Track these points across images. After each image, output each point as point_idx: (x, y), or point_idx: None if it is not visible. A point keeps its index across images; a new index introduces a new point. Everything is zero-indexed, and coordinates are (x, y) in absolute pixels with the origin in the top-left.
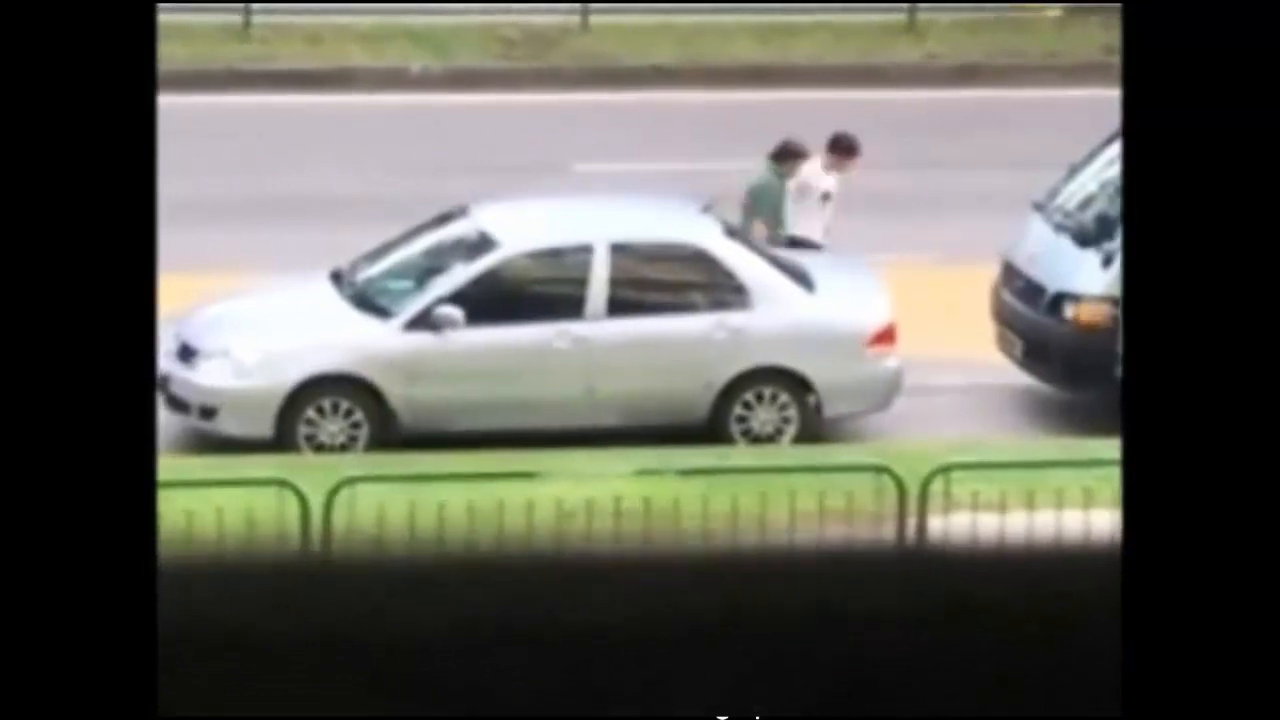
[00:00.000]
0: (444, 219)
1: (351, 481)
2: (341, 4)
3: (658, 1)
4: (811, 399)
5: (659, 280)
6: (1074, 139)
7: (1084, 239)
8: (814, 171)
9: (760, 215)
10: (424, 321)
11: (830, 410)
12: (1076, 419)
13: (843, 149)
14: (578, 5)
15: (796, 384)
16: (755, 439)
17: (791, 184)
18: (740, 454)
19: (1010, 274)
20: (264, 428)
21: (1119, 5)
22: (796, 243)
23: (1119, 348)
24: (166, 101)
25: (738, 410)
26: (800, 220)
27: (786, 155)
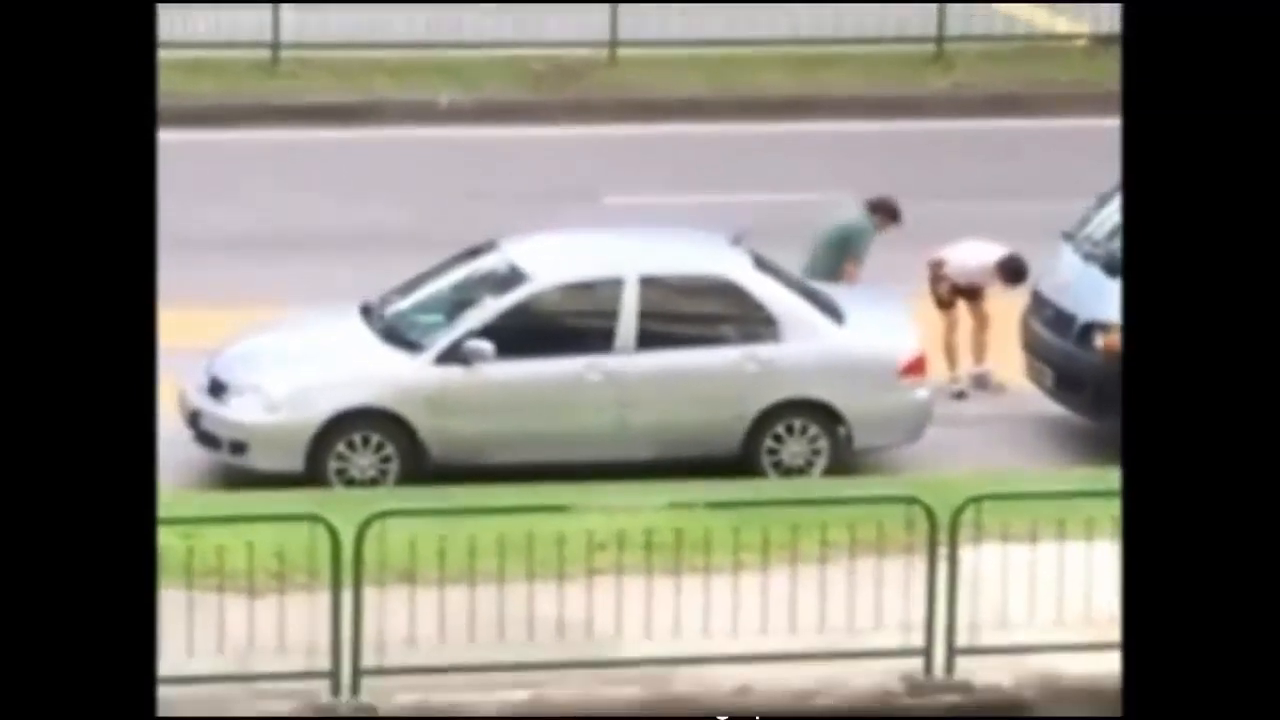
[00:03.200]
0: (474, 253)
1: (382, 515)
2: (370, 38)
3: (685, 35)
4: (842, 430)
5: (689, 313)
6: (1103, 168)
7: (1113, 268)
8: None
9: (853, 254)
10: (454, 355)
11: (861, 441)
12: (1107, 448)
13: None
14: (606, 37)
15: (827, 416)
16: (786, 471)
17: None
18: (771, 486)
19: (1040, 303)
20: (295, 462)
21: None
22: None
23: None
24: (196, 137)
25: (768, 442)
26: None
27: (885, 211)
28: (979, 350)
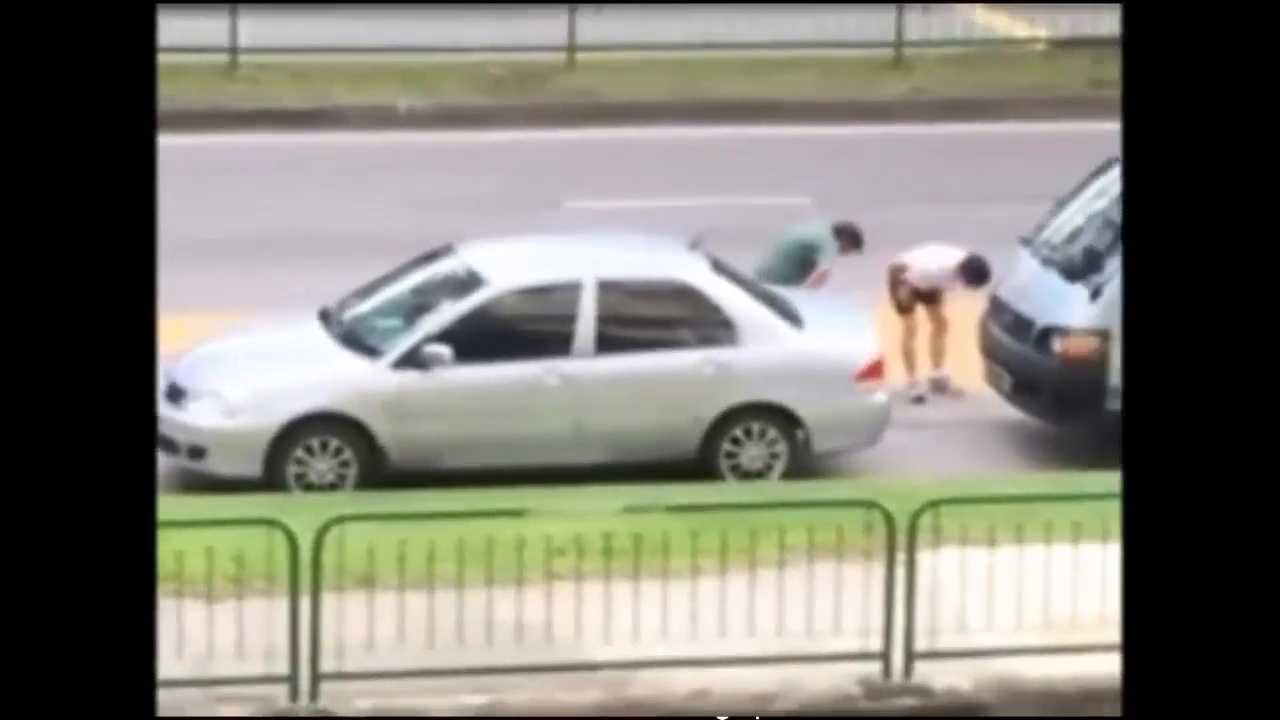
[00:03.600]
0: (431, 257)
1: (341, 520)
2: (329, 43)
3: (643, 40)
4: (800, 434)
5: (647, 317)
6: (1061, 173)
7: (1072, 272)
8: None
9: (824, 263)
10: (412, 359)
11: (819, 445)
12: (1065, 453)
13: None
14: (564, 41)
15: (785, 419)
16: (744, 475)
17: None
18: (729, 490)
19: (998, 308)
20: (253, 467)
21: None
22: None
23: (1108, 380)
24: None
25: (727, 446)
26: None
27: (849, 236)
28: (938, 355)
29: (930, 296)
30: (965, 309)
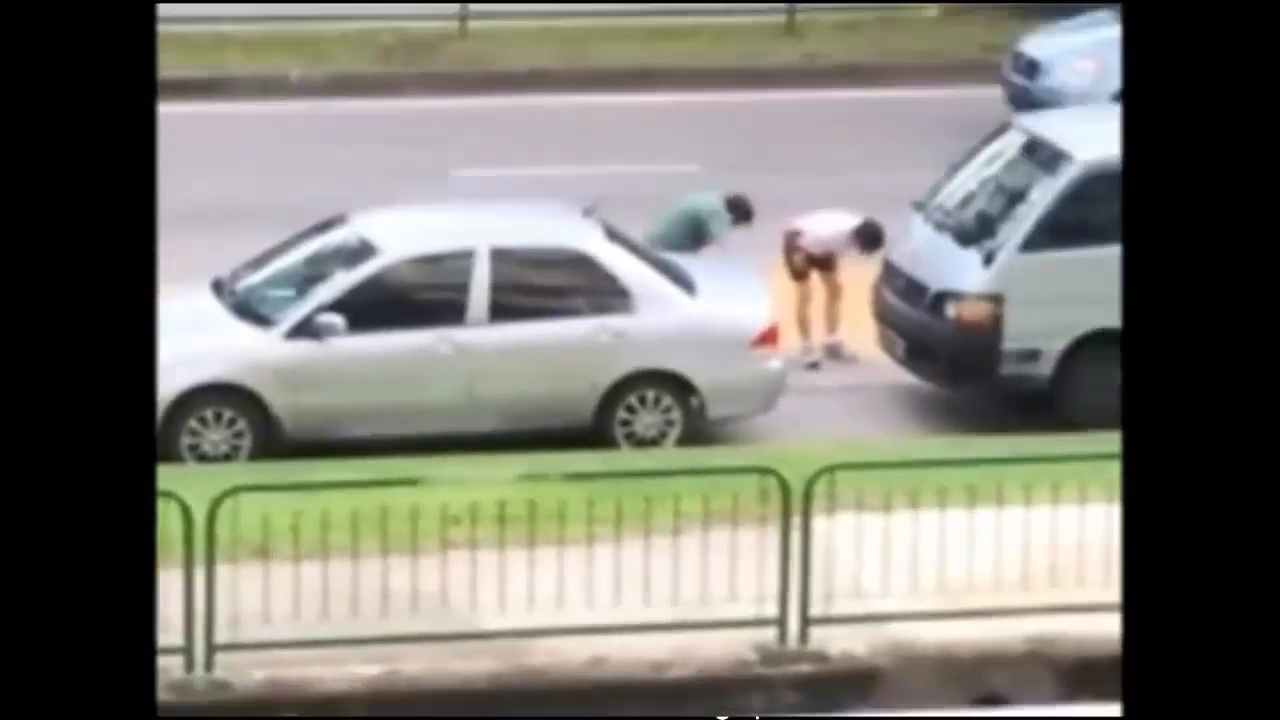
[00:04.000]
0: (324, 227)
1: (235, 491)
2: (220, 12)
3: (535, 2)
4: (695, 401)
5: (541, 285)
6: (954, 138)
7: (965, 237)
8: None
9: (705, 238)
10: (306, 329)
11: (714, 412)
12: (959, 417)
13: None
14: (455, 9)
15: (680, 386)
16: (640, 442)
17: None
18: (625, 457)
19: (891, 273)
20: None
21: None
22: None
23: (1001, 345)
24: None
25: (621, 414)
26: None
27: (740, 209)
28: (832, 320)
29: (825, 262)
30: (860, 275)
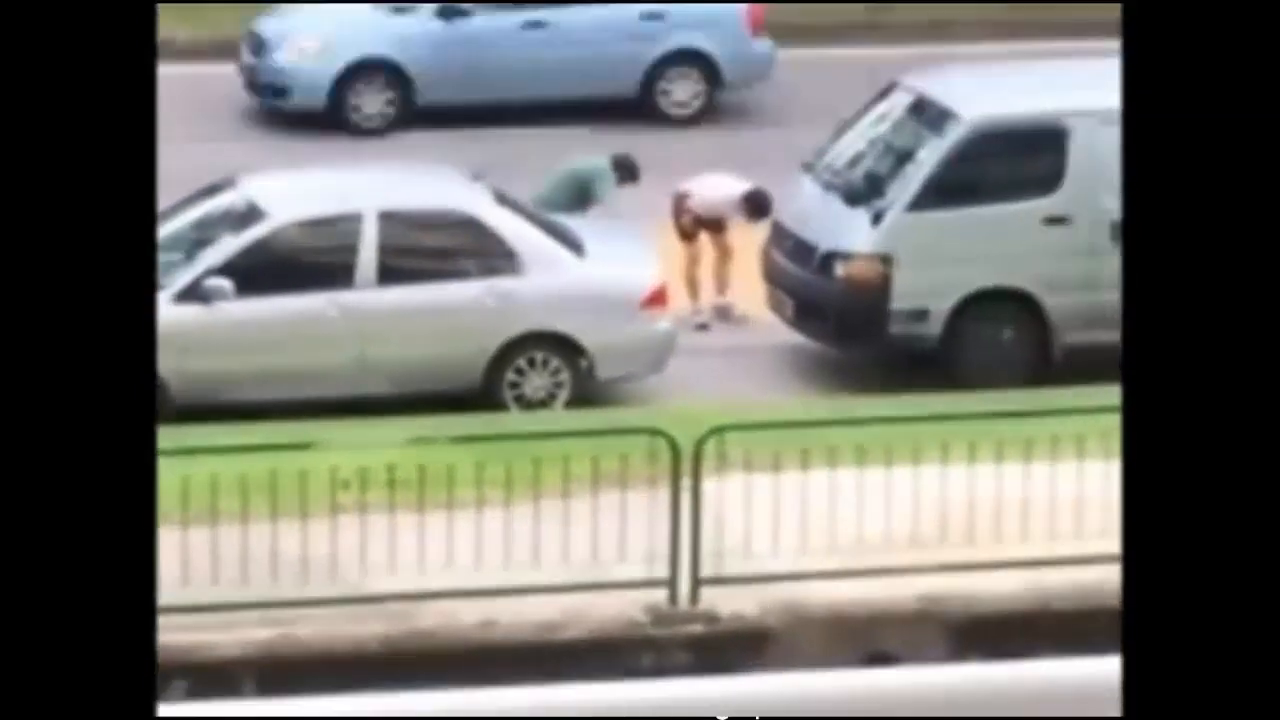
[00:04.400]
0: (211, 190)
1: None
2: None
3: None
4: (584, 363)
5: (429, 248)
6: (843, 97)
7: (853, 197)
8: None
9: (591, 199)
10: (193, 293)
11: (603, 373)
12: (848, 377)
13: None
14: None
15: (569, 348)
16: (528, 405)
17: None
18: (513, 420)
19: (780, 234)
20: None
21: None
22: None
23: (890, 304)
24: None
25: (510, 376)
26: None
27: (626, 169)
28: (721, 282)
29: (714, 224)
30: (750, 237)
